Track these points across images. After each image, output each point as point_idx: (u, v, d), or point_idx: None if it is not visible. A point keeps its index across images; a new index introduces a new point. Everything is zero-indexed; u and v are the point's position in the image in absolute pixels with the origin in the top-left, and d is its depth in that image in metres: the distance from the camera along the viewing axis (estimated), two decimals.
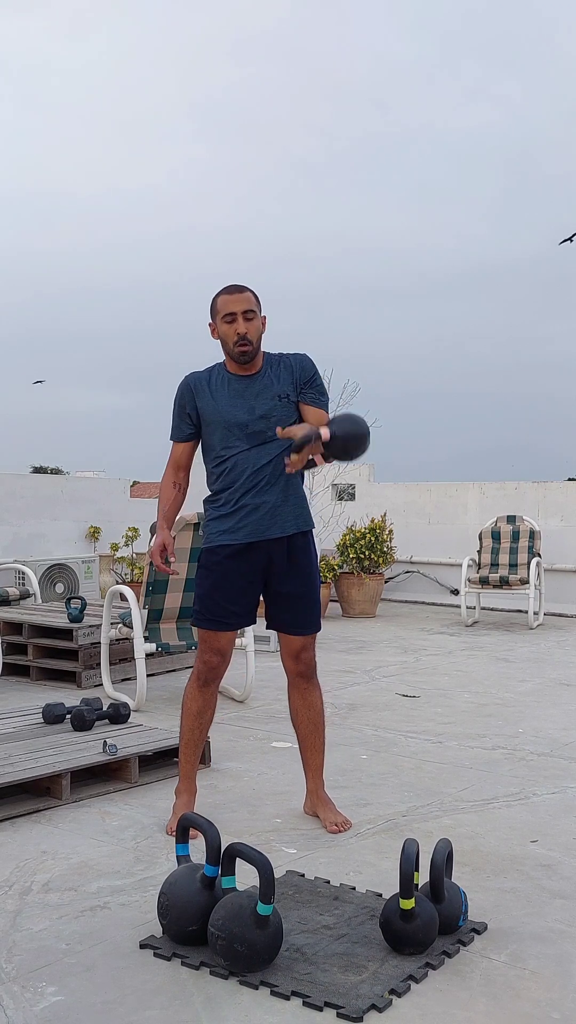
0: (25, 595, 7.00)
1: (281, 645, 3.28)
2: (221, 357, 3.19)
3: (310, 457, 2.87)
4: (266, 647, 6.80)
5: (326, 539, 9.72)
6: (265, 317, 3.16)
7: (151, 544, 3.31)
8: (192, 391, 3.15)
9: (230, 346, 3.09)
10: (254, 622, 3.26)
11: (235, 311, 3.06)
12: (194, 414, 3.16)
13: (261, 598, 3.23)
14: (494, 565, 8.56)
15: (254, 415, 3.09)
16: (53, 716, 4.06)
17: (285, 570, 3.15)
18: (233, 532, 3.10)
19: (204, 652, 3.15)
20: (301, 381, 3.15)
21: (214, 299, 3.12)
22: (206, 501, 3.21)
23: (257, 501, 3.09)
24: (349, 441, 2.84)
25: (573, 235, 10.73)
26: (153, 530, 5.04)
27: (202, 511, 5.07)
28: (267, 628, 3.29)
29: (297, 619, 3.20)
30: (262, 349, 3.17)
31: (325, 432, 2.78)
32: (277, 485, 3.11)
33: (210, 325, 3.16)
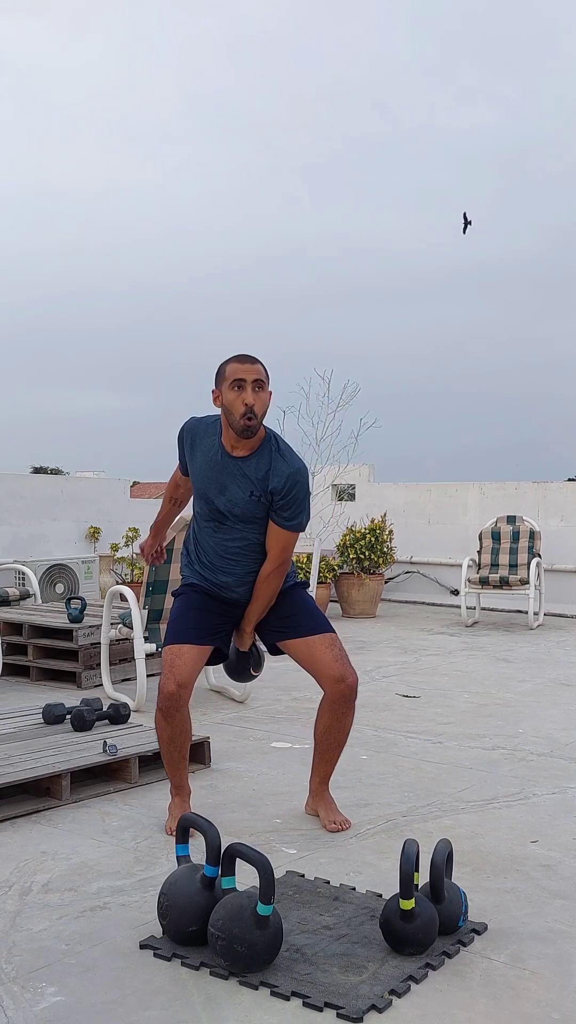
0: (25, 595, 7.00)
1: (316, 672, 3.13)
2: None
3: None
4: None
5: (326, 539, 9.71)
6: (271, 393, 3.03)
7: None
8: (190, 439, 3.11)
9: (235, 417, 2.93)
10: (221, 657, 3.22)
11: (245, 379, 2.93)
12: (186, 462, 3.17)
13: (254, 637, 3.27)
14: (494, 565, 8.56)
15: (223, 496, 3.03)
16: (53, 716, 4.06)
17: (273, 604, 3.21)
18: (213, 585, 3.16)
19: (162, 679, 3.04)
20: (276, 499, 3.01)
21: (223, 365, 2.99)
22: (187, 541, 3.25)
23: (232, 573, 3.12)
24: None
25: (467, 223, 10.59)
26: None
27: None
28: (274, 653, 3.24)
29: (303, 621, 3.16)
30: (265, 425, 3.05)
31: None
32: (249, 559, 3.10)
33: (214, 392, 3.01)
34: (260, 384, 2.96)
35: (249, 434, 2.97)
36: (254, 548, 3.09)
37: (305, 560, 8.24)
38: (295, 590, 3.24)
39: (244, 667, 3.31)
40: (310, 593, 7.46)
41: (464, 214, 10.55)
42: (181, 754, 3.15)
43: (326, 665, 3.11)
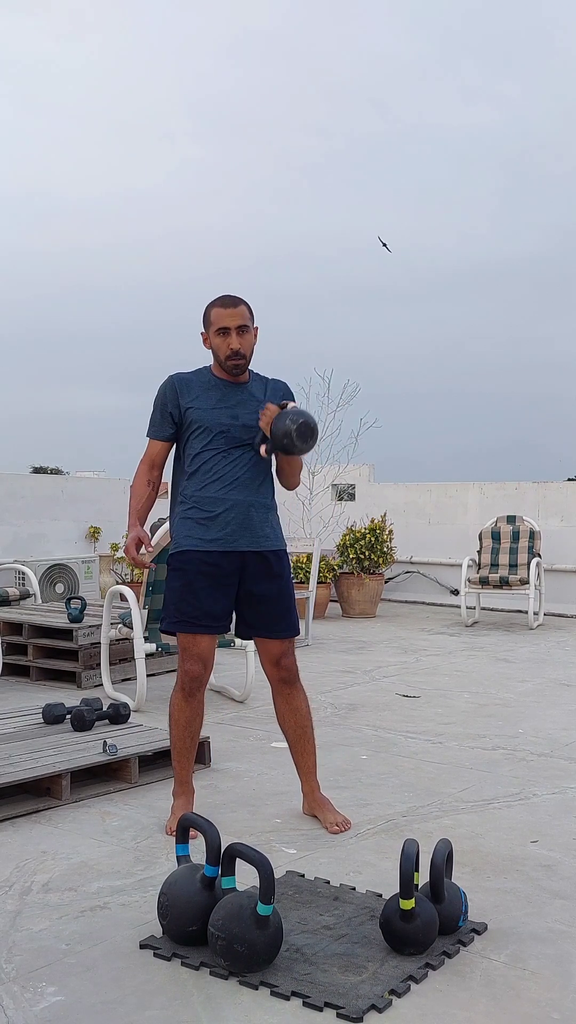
0: (25, 595, 7.00)
1: (260, 652, 3.24)
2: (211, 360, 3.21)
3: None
4: None
5: (326, 539, 9.72)
6: (257, 328, 3.18)
7: (124, 540, 3.29)
8: (176, 391, 3.15)
9: (222, 359, 3.12)
10: (227, 628, 3.20)
11: (229, 326, 3.07)
12: (176, 413, 3.15)
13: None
14: (494, 565, 8.56)
15: (237, 422, 3.11)
16: (53, 716, 4.06)
17: (260, 574, 3.15)
18: (205, 541, 3.09)
19: (185, 661, 3.10)
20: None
21: (207, 309, 3.13)
22: (175, 503, 3.20)
23: (229, 498, 3.09)
24: (284, 452, 3.07)
25: (384, 244, 10.76)
26: (153, 531, 5.05)
27: None
28: (241, 637, 3.23)
29: (275, 622, 3.17)
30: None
31: (263, 449, 3.10)
32: (250, 488, 3.13)
33: (202, 334, 3.17)
34: (244, 328, 3.10)
35: (239, 372, 3.15)
36: (256, 473, 3.14)
37: (305, 560, 8.24)
38: (283, 580, 3.20)
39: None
40: (310, 591, 7.45)
41: (379, 238, 10.80)
42: (193, 741, 3.18)
43: (268, 652, 3.21)
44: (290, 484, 3.31)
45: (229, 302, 3.10)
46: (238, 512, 3.10)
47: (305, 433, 2.99)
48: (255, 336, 3.17)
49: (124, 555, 3.29)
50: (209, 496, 3.10)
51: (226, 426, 3.10)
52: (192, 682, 3.10)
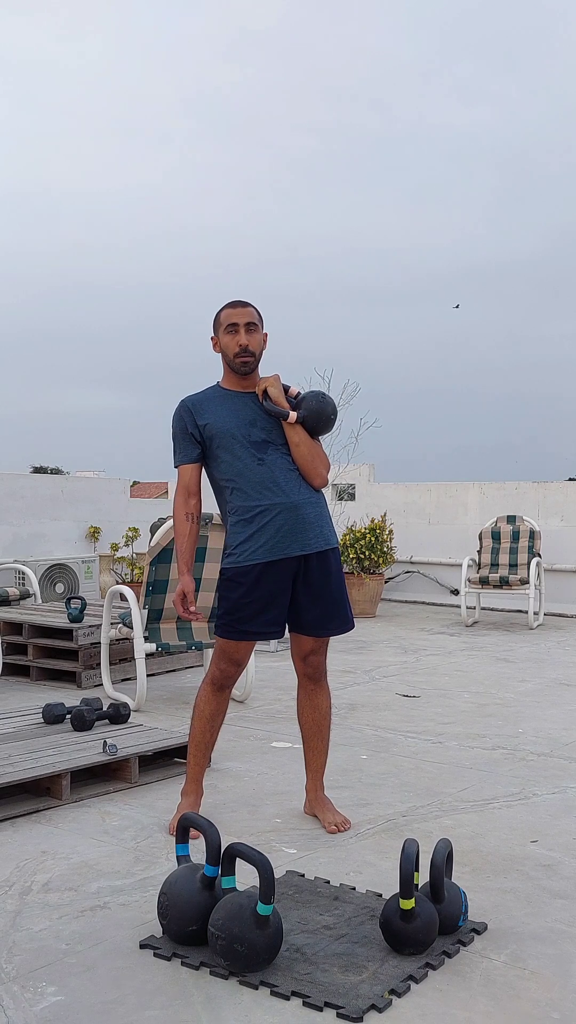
0: (25, 595, 7.00)
1: (292, 644, 3.26)
2: (218, 369, 3.20)
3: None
4: (266, 647, 6.80)
5: None
6: (267, 334, 3.19)
7: (175, 590, 3.27)
8: (191, 412, 3.14)
9: (231, 357, 3.12)
10: (282, 634, 3.19)
11: (238, 323, 3.11)
12: (197, 433, 3.13)
13: None
14: (494, 565, 8.56)
15: (256, 427, 3.11)
16: (53, 716, 4.06)
17: (310, 577, 3.12)
18: (254, 551, 3.05)
19: (220, 660, 3.13)
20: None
21: (217, 313, 3.17)
22: (225, 519, 3.17)
23: (276, 504, 3.05)
24: (317, 423, 3.16)
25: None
26: (153, 530, 5.05)
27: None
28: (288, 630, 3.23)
29: (311, 620, 3.16)
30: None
31: (292, 416, 3.11)
32: (292, 488, 3.09)
33: (212, 339, 3.19)
34: (253, 326, 3.13)
35: (247, 369, 3.14)
36: (294, 473, 3.12)
37: None
38: (330, 581, 3.17)
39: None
40: None
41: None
42: (213, 736, 3.20)
43: (299, 646, 3.23)
44: (318, 478, 3.16)
45: (238, 304, 3.15)
46: (287, 517, 3.06)
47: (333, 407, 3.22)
48: (265, 341, 3.18)
49: (173, 605, 3.25)
50: (253, 506, 3.06)
51: (247, 432, 3.09)
52: (225, 678, 3.14)
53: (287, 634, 3.25)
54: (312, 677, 3.25)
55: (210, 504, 3.26)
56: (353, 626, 3.25)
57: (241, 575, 3.07)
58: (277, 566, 3.07)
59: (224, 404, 3.14)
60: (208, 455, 3.14)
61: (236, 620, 3.08)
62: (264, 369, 3.22)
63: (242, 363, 3.11)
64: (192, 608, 3.11)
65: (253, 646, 3.17)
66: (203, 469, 3.18)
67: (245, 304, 3.15)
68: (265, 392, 3.13)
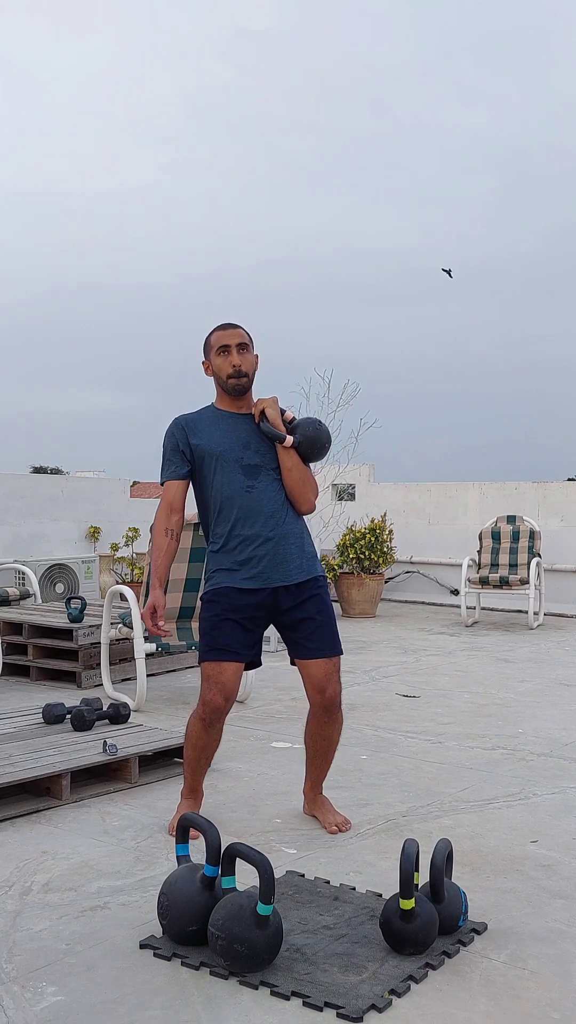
0: (25, 595, 7.00)
1: (303, 677, 3.15)
2: (209, 392, 3.20)
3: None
4: (266, 647, 6.80)
5: (326, 539, 9.71)
6: (257, 356, 3.18)
7: (142, 605, 3.24)
8: (184, 430, 3.12)
9: (223, 379, 3.11)
10: (258, 662, 3.16)
11: (229, 344, 3.09)
12: (188, 452, 3.11)
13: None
14: (494, 565, 8.56)
15: (250, 449, 3.08)
16: (53, 716, 4.06)
17: (295, 602, 3.09)
18: (233, 578, 3.04)
19: (207, 691, 3.04)
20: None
21: (207, 337, 3.16)
22: (207, 539, 3.15)
23: (260, 535, 3.03)
24: (311, 450, 3.15)
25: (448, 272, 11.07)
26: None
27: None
28: (291, 663, 3.18)
29: (315, 641, 3.10)
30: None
31: (289, 440, 3.10)
32: (277, 519, 3.07)
33: (204, 363, 3.18)
34: (244, 346, 3.12)
35: (240, 391, 3.13)
36: (281, 503, 3.08)
37: None
38: (321, 599, 3.16)
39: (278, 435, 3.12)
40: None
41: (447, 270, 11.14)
42: (207, 762, 3.16)
43: (312, 675, 3.13)
44: (306, 504, 3.16)
45: (228, 326, 3.14)
46: (269, 549, 3.04)
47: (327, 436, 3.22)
48: (256, 362, 3.16)
49: (142, 620, 3.20)
50: (238, 535, 3.05)
51: (240, 455, 3.07)
52: (212, 713, 3.03)
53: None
54: (329, 709, 3.14)
55: None
56: (341, 653, 3.18)
57: (220, 595, 3.05)
58: (257, 595, 3.05)
59: (218, 426, 3.11)
60: (197, 475, 3.12)
61: (212, 639, 3.03)
62: (258, 391, 3.21)
63: (235, 384, 3.09)
64: (161, 623, 3.08)
65: (237, 673, 3.05)
66: (190, 487, 3.16)
67: (235, 326, 3.14)
68: (263, 413, 3.11)
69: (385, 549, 9.05)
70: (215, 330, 3.15)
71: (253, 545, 3.04)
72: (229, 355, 3.09)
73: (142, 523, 9.53)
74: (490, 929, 2.46)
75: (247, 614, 3.05)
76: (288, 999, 2.10)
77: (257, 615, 3.08)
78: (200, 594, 3.14)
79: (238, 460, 3.07)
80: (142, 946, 2.34)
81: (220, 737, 3.13)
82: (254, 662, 3.16)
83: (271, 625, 3.17)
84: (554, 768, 3.92)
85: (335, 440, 9.60)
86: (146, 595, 4.98)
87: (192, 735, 3.11)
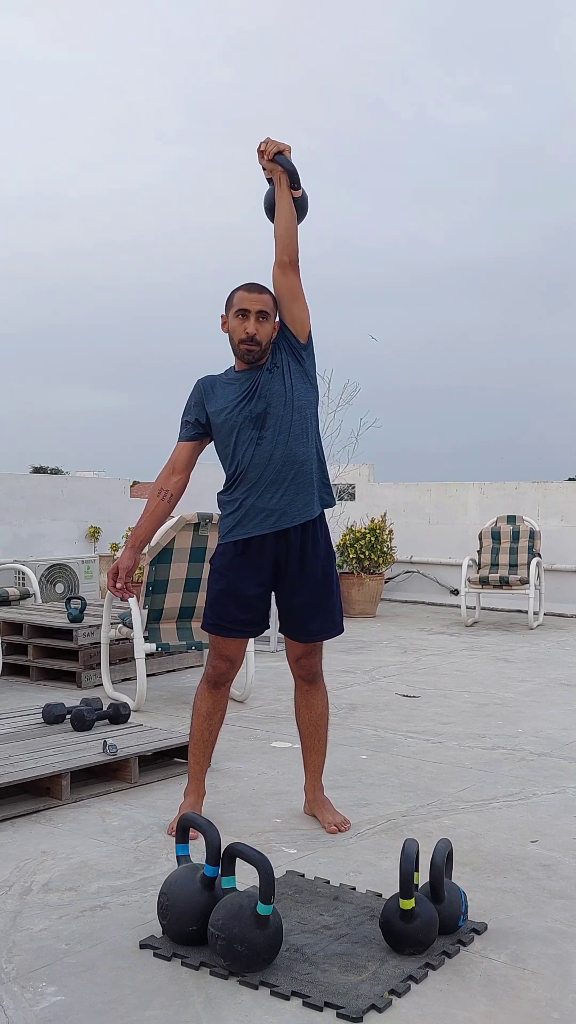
0: (25, 595, 7.00)
1: (286, 647, 3.27)
2: (217, 364, 3.18)
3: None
4: (266, 647, 6.79)
5: None
6: (279, 323, 3.08)
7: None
8: (202, 393, 3.12)
9: (235, 343, 3.03)
10: (261, 631, 3.19)
11: (249, 309, 2.98)
12: (203, 416, 3.10)
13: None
14: (494, 565, 8.56)
15: (256, 397, 3.03)
16: (53, 716, 4.06)
17: (297, 574, 3.08)
18: (240, 528, 3.04)
19: (213, 657, 3.14)
20: (294, 341, 3.08)
21: (232, 292, 3.05)
22: (220, 494, 3.15)
23: (264, 504, 3.01)
24: (301, 209, 3.13)
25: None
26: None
27: (201, 511, 5.06)
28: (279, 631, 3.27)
29: (300, 626, 3.15)
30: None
31: (298, 192, 3.11)
32: (284, 483, 3.03)
33: (222, 316, 3.08)
34: (264, 315, 3.01)
35: (251, 358, 3.03)
36: (297, 464, 3.03)
37: None
38: (330, 579, 3.16)
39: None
40: None
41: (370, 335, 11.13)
42: (212, 734, 3.18)
43: (292, 648, 3.22)
44: (288, 253, 3.05)
45: (254, 288, 3.02)
46: (272, 513, 3.02)
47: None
48: (275, 331, 3.05)
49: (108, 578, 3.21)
50: (242, 497, 3.04)
51: (249, 408, 3.02)
52: (219, 676, 3.14)
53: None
54: (306, 679, 3.25)
55: (211, 504, 3.26)
56: (342, 630, 3.21)
57: (226, 558, 3.06)
58: (262, 546, 3.03)
59: (229, 389, 3.08)
60: (214, 437, 3.14)
61: (219, 612, 3.07)
62: None
63: (246, 351, 3.01)
64: (120, 586, 3.09)
65: (243, 643, 3.15)
66: (202, 449, 3.17)
67: (261, 289, 3.03)
68: (279, 153, 3.05)
69: (385, 549, 9.05)
70: (240, 288, 3.03)
71: (257, 509, 3.03)
72: (247, 320, 2.98)
73: None
74: (490, 929, 2.46)
75: (253, 586, 3.08)
76: (288, 999, 2.10)
77: (262, 582, 3.10)
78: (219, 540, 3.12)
79: (248, 416, 3.02)
80: (142, 946, 2.34)
81: (225, 705, 3.19)
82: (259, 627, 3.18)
83: (271, 626, 3.19)
84: (554, 768, 3.92)
85: (335, 440, 9.65)
86: (145, 593, 4.98)
87: (197, 701, 3.18)
